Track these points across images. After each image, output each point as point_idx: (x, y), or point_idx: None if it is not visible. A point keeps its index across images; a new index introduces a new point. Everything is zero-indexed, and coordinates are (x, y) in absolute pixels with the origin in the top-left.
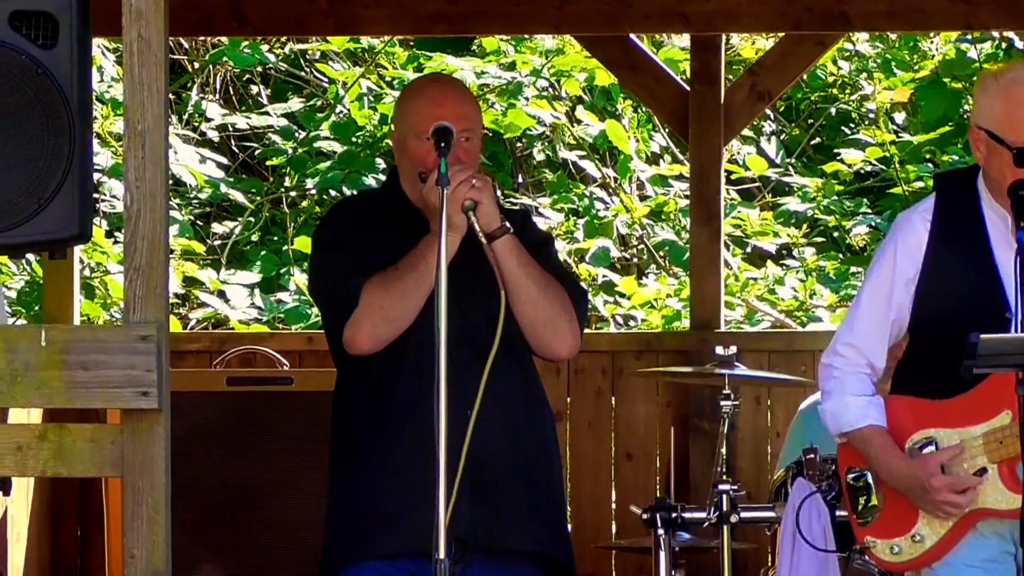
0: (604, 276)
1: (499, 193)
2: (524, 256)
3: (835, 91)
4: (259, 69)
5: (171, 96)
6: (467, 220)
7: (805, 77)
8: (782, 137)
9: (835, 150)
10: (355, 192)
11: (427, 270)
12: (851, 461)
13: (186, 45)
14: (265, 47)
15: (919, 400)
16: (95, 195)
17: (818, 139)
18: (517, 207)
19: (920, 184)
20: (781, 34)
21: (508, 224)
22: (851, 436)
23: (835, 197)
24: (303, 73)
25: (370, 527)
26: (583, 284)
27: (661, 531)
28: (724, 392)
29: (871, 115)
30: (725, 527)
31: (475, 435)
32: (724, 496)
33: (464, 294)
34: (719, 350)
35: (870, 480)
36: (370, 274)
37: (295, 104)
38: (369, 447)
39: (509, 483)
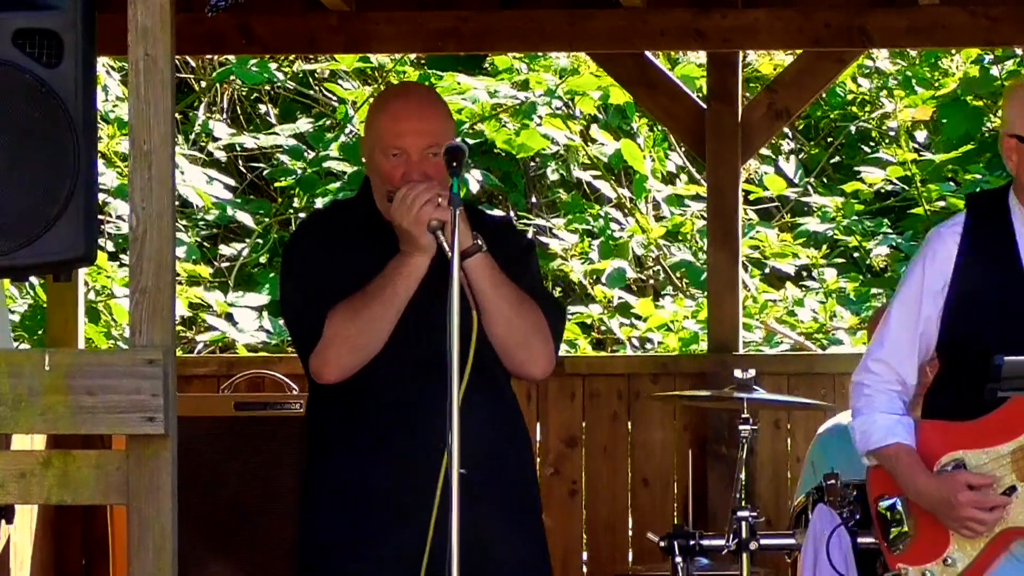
0: (620, 297)
1: (512, 214)
2: (497, 275)
3: (855, 109)
4: (267, 88)
5: (177, 115)
6: (435, 240)
7: (824, 95)
8: (801, 156)
9: (855, 169)
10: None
11: (395, 295)
12: (883, 487)
13: (192, 63)
14: (273, 65)
15: (948, 423)
16: (100, 216)
17: (838, 158)
18: (498, 216)
19: (942, 204)
20: (800, 51)
21: (480, 242)
22: (878, 454)
23: (855, 217)
24: (312, 92)
25: (345, 555)
26: (560, 302)
27: (679, 559)
28: (743, 416)
29: (892, 133)
30: (744, 554)
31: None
32: (743, 523)
33: (434, 317)
34: (737, 373)
35: (900, 507)
36: (336, 299)
37: (304, 124)
38: (343, 472)
39: (489, 513)
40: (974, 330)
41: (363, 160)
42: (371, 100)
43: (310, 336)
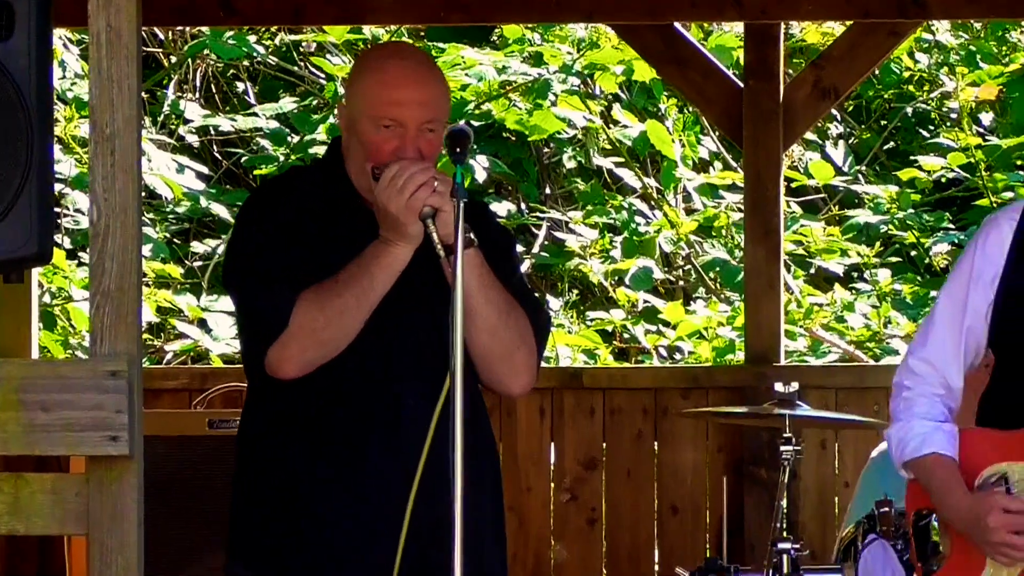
0: (646, 301)
1: (523, 207)
2: (487, 276)
3: (912, 88)
4: (246, 63)
5: (144, 95)
6: (424, 229)
7: (877, 72)
8: (851, 141)
9: (912, 156)
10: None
11: (371, 287)
12: (921, 502)
13: (161, 36)
14: (253, 38)
15: (997, 431)
16: (56, 209)
17: (892, 143)
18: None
19: (1010, 194)
20: (849, 22)
21: (472, 236)
22: (913, 466)
23: (912, 210)
24: (296, 68)
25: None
26: (547, 308)
27: None
28: (784, 435)
29: (953, 115)
30: None
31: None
32: (784, 556)
33: (409, 315)
34: (778, 387)
35: (935, 523)
36: (302, 284)
37: (287, 104)
38: (308, 494)
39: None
40: None
41: (339, 124)
42: (358, 56)
43: (273, 324)
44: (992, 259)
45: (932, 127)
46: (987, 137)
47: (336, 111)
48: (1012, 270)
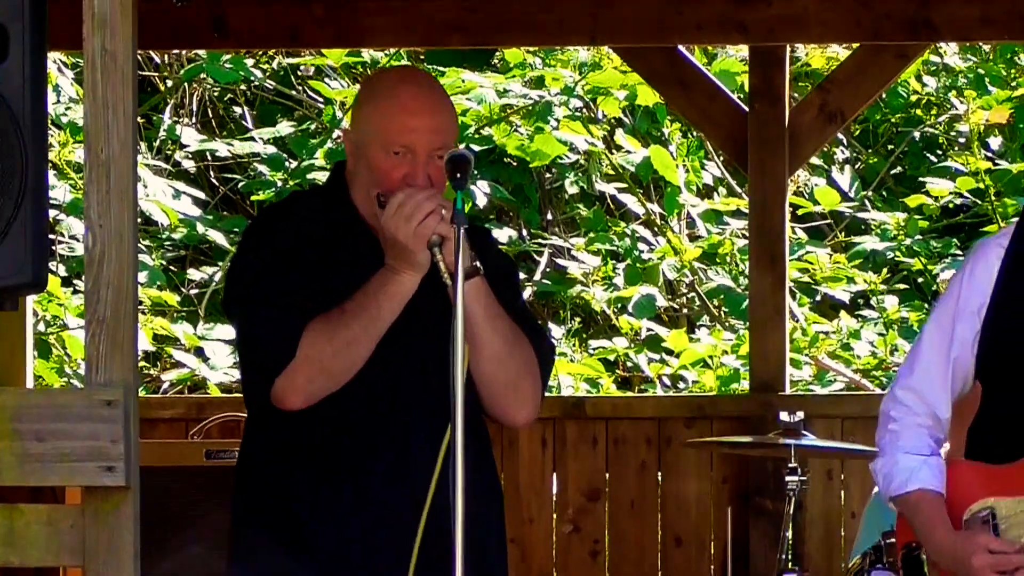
0: (649, 330)
1: (525, 233)
2: (493, 305)
3: (919, 112)
4: (243, 87)
5: (140, 119)
6: (431, 257)
7: (884, 95)
8: (857, 165)
9: (920, 180)
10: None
11: (379, 315)
12: (910, 535)
13: (157, 59)
14: (250, 61)
15: (985, 465)
16: (51, 236)
17: (900, 168)
18: (477, 227)
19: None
20: (856, 44)
21: (478, 264)
22: (900, 502)
23: (920, 236)
24: (294, 92)
25: None
26: (550, 337)
27: None
28: (790, 466)
29: (962, 139)
30: None
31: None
32: None
33: (414, 345)
34: (784, 416)
35: (923, 556)
36: (308, 313)
37: (285, 128)
38: (313, 526)
39: None
40: (1017, 355)
41: (345, 148)
42: (367, 80)
43: (279, 354)
44: (979, 288)
45: (940, 151)
46: (997, 162)
47: (341, 136)
48: (999, 300)
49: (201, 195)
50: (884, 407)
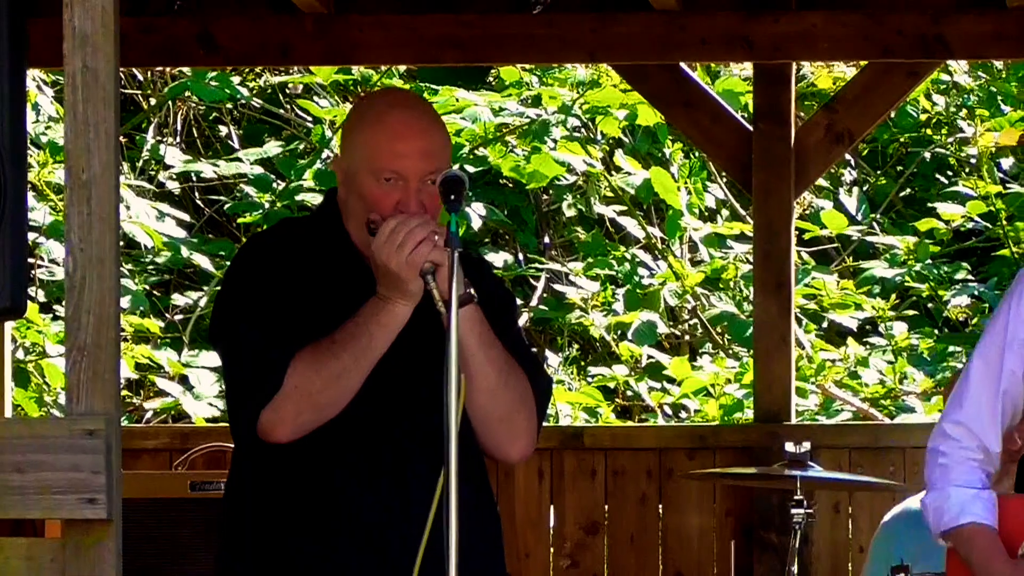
0: (650, 357)
1: (521, 257)
2: (487, 334)
3: (929, 132)
4: (229, 106)
5: (123, 139)
6: (424, 285)
7: (893, 115)
8: (865, 188)
9: (929, 203)
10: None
11: (370, 345)
12: (963, 573)
13: (140, 77)
14: (236, 79)
15: None
16: (30, 260)
17: (909, 190)
18: (472, 256)
19: None
20: (864, 62)
21: (472, 291)
22: (952, 536)
23: (929, 261)
24: (282, 111)
25: None
26: (547, 371)
27: None
28: (795, 498)
29: (973, 161)
30: None
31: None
32: None
33: (411, 373)
34: (789, 447)
35: None
36: (296, 343)
37: (272, 148)
38: (305, 560)
39: None
40: None
41: (336, 173)
42: (355, 105)
43: (266, 386)
44: None
45: (950, 173)
46: (1008, 184)
47: (331, 163)
48: None
49: (186, 217)
50: (932, 444)
